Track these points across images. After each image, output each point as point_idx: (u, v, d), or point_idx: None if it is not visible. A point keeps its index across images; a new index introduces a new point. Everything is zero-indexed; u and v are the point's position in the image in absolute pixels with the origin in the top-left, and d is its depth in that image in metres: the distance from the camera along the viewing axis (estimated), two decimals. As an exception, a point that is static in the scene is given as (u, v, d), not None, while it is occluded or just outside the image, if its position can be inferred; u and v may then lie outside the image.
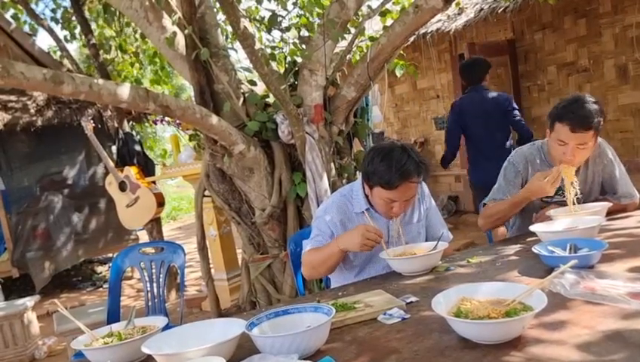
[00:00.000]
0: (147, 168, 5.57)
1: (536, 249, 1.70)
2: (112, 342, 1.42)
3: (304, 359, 1.19)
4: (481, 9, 5.98)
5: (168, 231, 11.89)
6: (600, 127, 2.13)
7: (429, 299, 1.51)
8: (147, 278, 2.80)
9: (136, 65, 7.19)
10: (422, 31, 6.44)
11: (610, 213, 2.27)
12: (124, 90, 2.79)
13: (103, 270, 7.71)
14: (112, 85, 2.78)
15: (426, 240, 2.18)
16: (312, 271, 2.09)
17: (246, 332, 1.26)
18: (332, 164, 3.66)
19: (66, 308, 5.24)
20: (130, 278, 6.77)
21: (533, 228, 1.99)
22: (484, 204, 2.48)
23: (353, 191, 2.16)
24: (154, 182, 5.16)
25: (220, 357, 1.15)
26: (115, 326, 1.53)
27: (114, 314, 2.67)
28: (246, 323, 1.30)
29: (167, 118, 5.11)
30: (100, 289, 6.75)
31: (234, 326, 1.33)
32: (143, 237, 6.87)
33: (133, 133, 6.28)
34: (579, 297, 1.35)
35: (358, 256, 2.09)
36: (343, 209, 2.11)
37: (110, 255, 7.95)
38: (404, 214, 2.12)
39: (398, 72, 4.60)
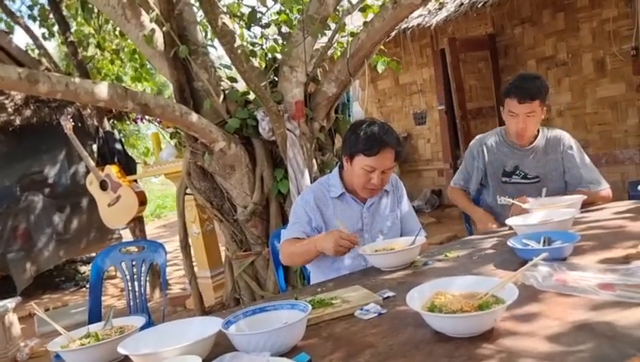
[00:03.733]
0: (128, 167, 5.53)
1: (510, 242, 1.73)
2: (88, 343, 1.41)
3: (281, 356, 1.20)
4: (462, 3, 6.02)
5: (152, 229, 11.82)
6: (543, 97, 2.42)
7: (406, 293, 1.53)
8: (128, 277, 2.79)
9: (117, 62, 7.11)
10: (403, 26, 6.47)
11: (585, 205, 2.33)
12: (102, 89, 2.77)
13: (86, 270, 7.63)
14: (89, 84, 2.75)
15: (401, 236, 2.22)
16: (290, 260, 2.17)
17: (222, 330, 1.26)
18: (314, 161, 3.67)
19: (49, 309, 5.19)
20: (114, 277, 6.73)
21: (509, 221, 2.02)
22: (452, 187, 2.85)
23: (330, 178, 2.25)
24: (135, 181, 5.12)
25: (196, 356, 1.16)
26: (93, 327, 1.53)
27: (95, 315, 2.66)
28: (222, 321, 1.30)
29: (147, 116, 5.07)
30: (83, 289, 6.69)
31: (211, 325, 1.34)
32: (127, 236, 6.82)
33: (114, 131, 6.22)
34: (551, 289, 1.38)
35: None
36: (318, 194, 2.19)
37: (93, 254, 7.89)
38: (375, 202, 2.19)
39: (380, 68, 4.63)
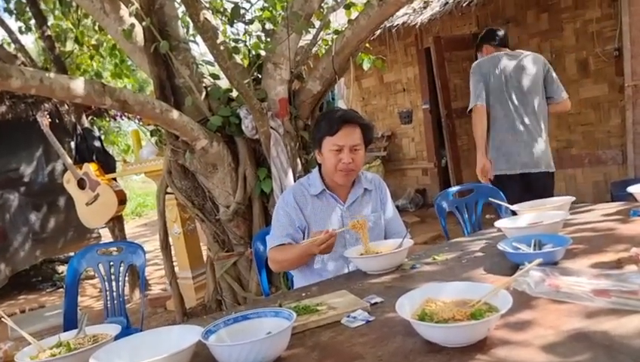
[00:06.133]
0: (107, 165, 5.39)
1: (501, 246, 1.68)
2: (59, 353, 1.33)
3: (263, 367, 1.14)
4: (446, 2, 6.01)
5: (133, 228, 11.65)
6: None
7: (394, 299, 1.47)
8: (106, 279, 2.70)
9: (96, 58, 6.95)
10: (388, 24, 6.44)
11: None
12: (79, 85, 2.67)
13: (64, 270, 7.46)
14: (64, 79, 2.65)
15: (386, 238, 2.18)
16: (280, 267, 2.16)
17: (202, 341, 1.19)
18: (298, 159, 3.60)
19: (24, 311, 5.04)
20: (93, 277, 6.59)
21: (498, 223, 1.98)
22: None
23: (310, 177, 2.23)
24: (115, 179, 5.00)
25: (173, 369, 1.09)
26: (65, 336, 1.45)
27: (70, 318, 2.55)
28: (202, 330, 1.23)
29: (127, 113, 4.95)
30: (61, 289, 6.54)
31: (191, 334, 1.26)
32: (106, 235, 6.69)
33: (94, 128, 6.08)
34: (543, 295, 1.34)
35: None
36: (298, 193, 2.17)
37: (72, 254, 7.72)
38: (356, 201, 2.17)
39: (366, 66, 4.58)
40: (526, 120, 3.43)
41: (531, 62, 3.49)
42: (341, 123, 2.03)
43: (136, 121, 4.98)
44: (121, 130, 12.01)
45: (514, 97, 3.44)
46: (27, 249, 5.81)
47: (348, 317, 1.39)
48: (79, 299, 2.72)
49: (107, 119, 6.93)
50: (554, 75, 3.56)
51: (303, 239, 2.06)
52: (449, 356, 1.10)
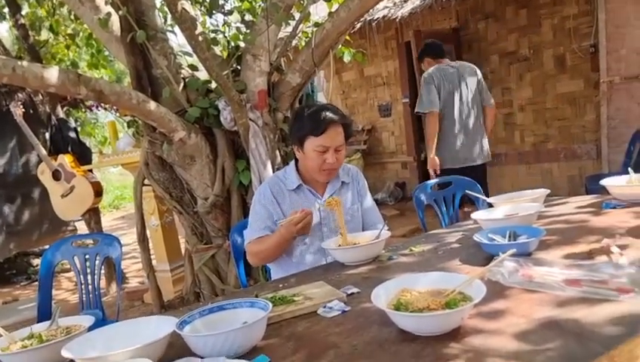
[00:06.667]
0: (83, 156, 5.29)
1: (476, 237, 1.70)
2: (31, 344, 1.31)
3: (239, 358, 1.13)
4: (427, -4, 6.02)
5: (110, 221, 11.51)
6: None
7: (371, 289, 1.48)
8: (81, 272, 2.66)
9: (72, 48, 6.82)
10: (368, 18, 6.44)
11: None
12: (52, 74, 2.62)
13: (39, 263, 7.33)
14: (38, 68, 2.60)
15: (363, 230, 2.18)
16: (260, 260, 2.11)
17: (176, 331, 1.18)
18: (277, 152, 3.59)
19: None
20: (69, 270, 6.48)
21: (474, 215, 2.00)
22: None
23: (286, 170, 2.21)
24: (91, 171, 4.91)
25: (146, 359, 1.08)
26: (37, 327, 1.42)
27: (45, 311, 2.52)
28: (177, 321, 1.22)
29: (103, 104, 4.87)
30: (36, 282, 6.42)
31: (166, 325, 1.25)
32: (82, 228, 6.59)
33: (69, 119, 5.96)
34: (517, 285, 1.36)
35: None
36: (275, 187, 2.15)
37: (46, 247, 7.59)
38: (334, 195, 2.14)
39: (347, 59, 4.58)
40: (469, 122, 3.99)
41: (471, 72, 4.06)
42: (327, 124, 1.98)
43: (113, 112, 4.90)
44: (98, 121, 11.83)
45: (459, 103, 3.96)
46: (1, 241, 5.68)
47: (324, 307, 1.39)
48: (54, 292, 2.68)
49: (83, 110, 6.80)
50: (484, 84, 4.13)
51: None
52: (423, 344, 1.11)
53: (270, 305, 1.25)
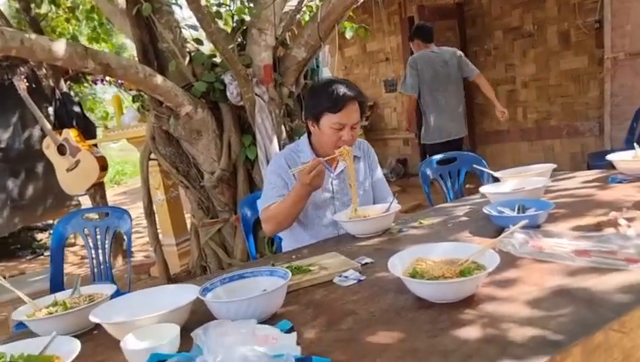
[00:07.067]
0: (87, 131, 5.29)
1: (486, 209, 1.73)
2: (56, 311, 1.35)
3: (260, 323, 1.17)
4: (431, -29, 5.96)
5: (112, 196, 11.53)
6: None
7: (384, 260, 1.52)
8: (92, 245, 2.70)
9: (73, 21, 6.75)
10: (372, -8, 6.38)
11: None
12: (60, 47, 2.62)
13: (43, 237, 7.39)
14: (45, 41, 2.60)
15: (374, 203, 2.21)
16: (275, 223, 2.06)
17: (200, 298, 1.22)
18: (283, 127, 3.61)
19: (5, 277, 5.03)
20: (74, 245, 6.55)
21: (482, 189, 2.04)
22: None
23: (299, 144, 2.22)
24: (95, 146, 4.93)
25: (173, 324, 1.12)
26: (60, 295, 1.46)
27: (57, 283, 2.57)
28: (199, 288, 1.26)
29: (108, 78, 4.85)
30: (41, 257, 6.50)
31: (186, 292, 1.29)
32: (85, 203, 6.62)
33: (72, 93, 5.93)
34: (527, 255, 1.39)
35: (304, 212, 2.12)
36: (289, 158, 2.16)
37: (50, 221, 7.63)
38: (345, 169, 2.14)
39: (349, 34, 4.56)
40: (452, 102, 4.52)
41: (451, 56, 4.53)
42: (345, 101, 1.98)
43: (118, 87, 4.88)
44: (97, 96, 11.76)
45: (441, 85, 4.48)
46: (5, 216, 5.72)
47: (340, 276, 1.43)
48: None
49: (85, 85, 6.77)
50: (465, 60, 4.58)
51: None
52: (439, 311, 1.15)
53: (289, 273, 1.29)
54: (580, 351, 0.95)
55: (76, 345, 1.04)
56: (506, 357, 0.92)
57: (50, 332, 1.16)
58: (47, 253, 6.65)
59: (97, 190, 5.16)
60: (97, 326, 1.36)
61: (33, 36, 2.55)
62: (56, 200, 6.12)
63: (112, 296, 1.41)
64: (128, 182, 13.76)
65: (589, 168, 4.76)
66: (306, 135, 2.21)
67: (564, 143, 6.15)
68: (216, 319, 1.21)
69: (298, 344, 1.05)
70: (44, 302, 1.43)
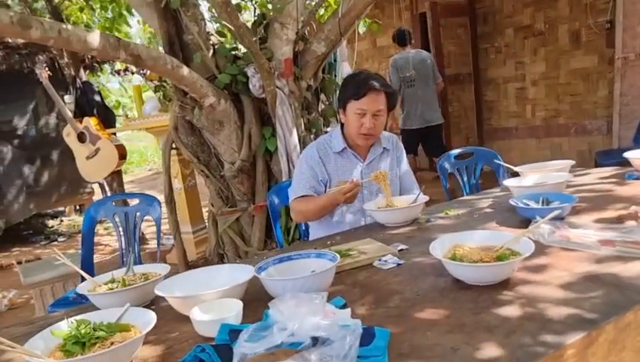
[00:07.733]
0: (107, 119, 5.39)
1: (513, 201, 1.83)
2: (116, 287, 1.45)
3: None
4: (444, -32, 6.03)
5: (120, 185, 11.62)
6: None
7: (418, 246, 1.63)
8: (122, 230, 2.80)
9: (86, 10, 6.82)
10: (385, -12, 6.44)
11: None
12: (95, 38, 2.70)
13: (54, 224, 7.52)
14: (82, 32, 2.68)
15: (400, 194, 2.31)
16: (303, 218, 2.29)
17: (256, 275, 1.32)
18: (301, 120, 3.70)
19: (21, 262, 5.09)
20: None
21: (506, 182, 2.13)
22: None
23: (332, 135, 2.33)
24: (114, 134, 5.02)
25: (235, 299, 1.22)
26: (117, 273, 1.56)
27: (88, 265, 2.66)
28: (254, 267, 1.36)
29: (131, 68, 4.94)
30: (55, 243, 6.61)
31: (240, 271, 1.39)
32: (98, 191, 6.72)
33: (92, 82, 6.02)
34: (556, 244, 1.49)
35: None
36: (321, 149, 2.29)
37: (61, 209, 7.74)
38: (375, 160, 2.29)
39: (362, 29, 4.63)
40: (427, 94, 5.41)
41: (423, 58, 5.42)
42: (367, 88, 2.10)
43: (141, 77, 4.96)
44: (104, 86, 11.81)
45: (418, 80, 5.37)
46: (21, 202, 5.82)
47: (379, 260, 1.53)
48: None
49: (99, 74, 6.85)
50: (434, 66, 5.53)
51: (324, 192, 2.18)
52: (479, 292, 1.25)
53: (338, 255, 1.39)
54: (612, 328, 1.05)
55: (152, 316, 1.12)
56: (546, 332, 1.02)
57: (111, 306, 1.26)
58: (60, 239, 6.76)
59: (115, 178, 5.26)
60: (153, 301, 1.46)
61: (70, 27, 2.64)
62: (71, 187, 6.22)
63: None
64: (135, 171, 13.86)
65: (596, 166, 4.85)
66: (339, 126, 2.32)
67: (572, 141, 6.23)
68: (270, 296, 1.32)
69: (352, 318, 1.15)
70: (102, 279, 1.53)
